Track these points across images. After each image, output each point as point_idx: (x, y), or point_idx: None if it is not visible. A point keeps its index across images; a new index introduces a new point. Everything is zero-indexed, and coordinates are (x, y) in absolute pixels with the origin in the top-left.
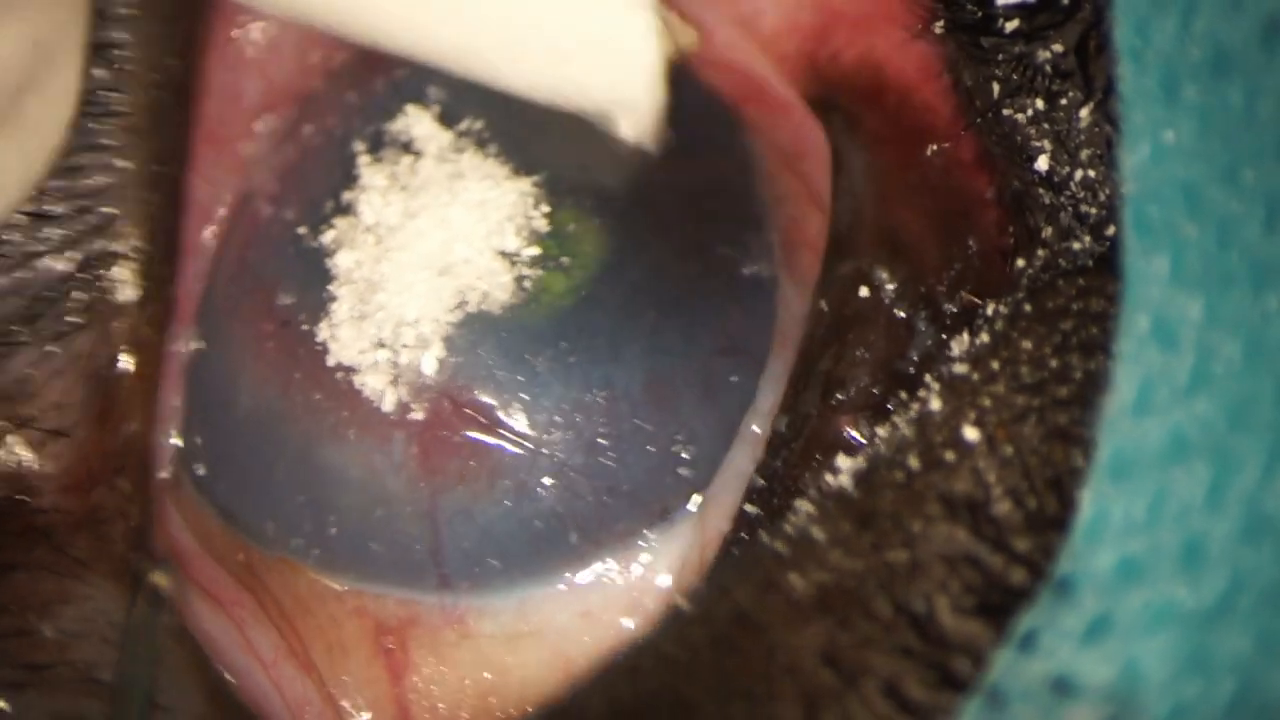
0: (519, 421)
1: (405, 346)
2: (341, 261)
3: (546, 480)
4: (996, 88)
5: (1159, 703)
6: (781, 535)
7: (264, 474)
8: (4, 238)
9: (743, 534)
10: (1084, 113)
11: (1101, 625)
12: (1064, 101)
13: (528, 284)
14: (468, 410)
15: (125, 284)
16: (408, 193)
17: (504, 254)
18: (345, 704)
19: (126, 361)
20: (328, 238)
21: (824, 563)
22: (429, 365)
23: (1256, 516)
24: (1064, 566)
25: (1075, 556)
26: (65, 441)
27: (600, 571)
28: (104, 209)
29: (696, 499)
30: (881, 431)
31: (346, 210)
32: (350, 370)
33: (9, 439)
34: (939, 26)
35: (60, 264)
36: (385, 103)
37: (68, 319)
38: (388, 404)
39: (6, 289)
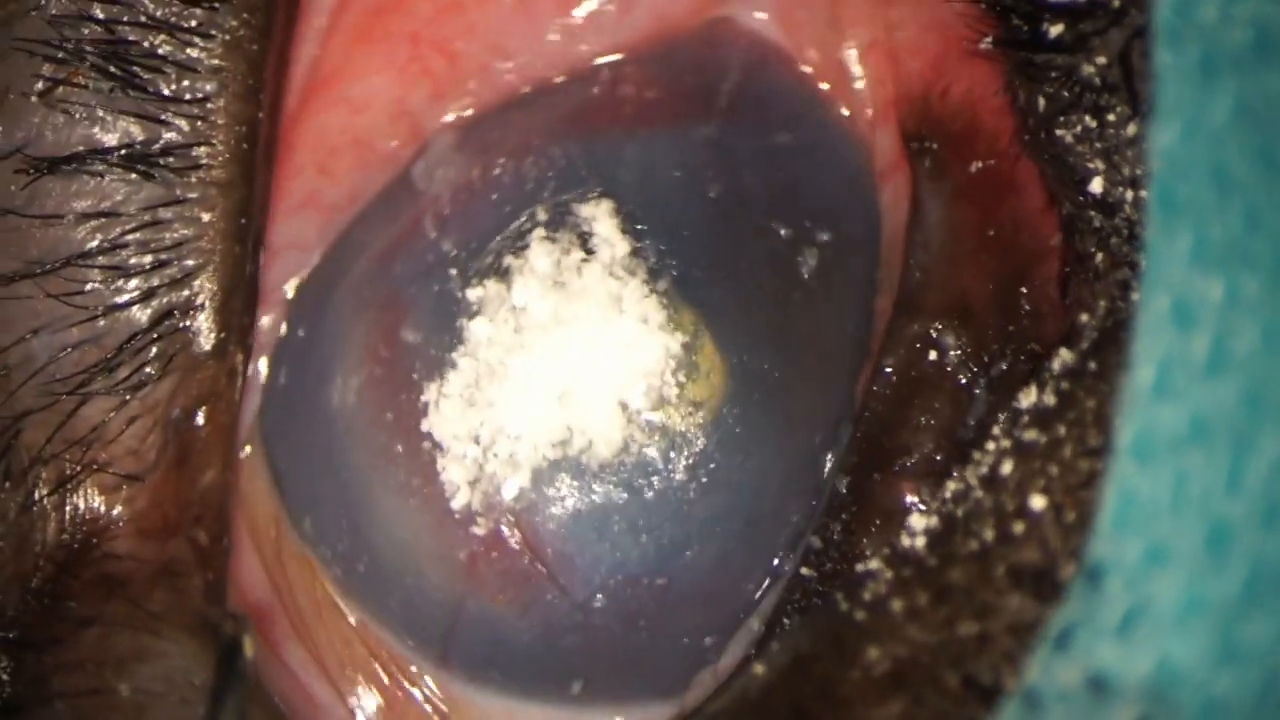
0: (571, 575)
1: (496, 457)
2: (475, 330)
3: (573, 634)
4: (1047, 106)
5: (1194, 697)
6: (861, 603)
7: (322, 473)
8: (84, 289)
9: (798, 596)
10: (1131, 128)
11: (1134, 617)
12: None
13: (633, 449)
14: (529, 545)
15: (204, 336)
16: (564, 294)
17: (625, 408)
18: None
19: (203, 411)
20: (474, 295)
21: (901, 636)
22: (510, 489)
23: (1276, 501)
24: (1094, 552)
25: (1105, 540)
26: (140, 487)
27: (589, 715)
28: (186, 261)
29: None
30: (954, 496)
31: (502, 275)
32: (438, 447)
33: (85, 483)
34: (987, 42)
35: (139, 315)
36: (583, 178)
37: (146, 369)
38: (458, 502)
39: (85, 339)
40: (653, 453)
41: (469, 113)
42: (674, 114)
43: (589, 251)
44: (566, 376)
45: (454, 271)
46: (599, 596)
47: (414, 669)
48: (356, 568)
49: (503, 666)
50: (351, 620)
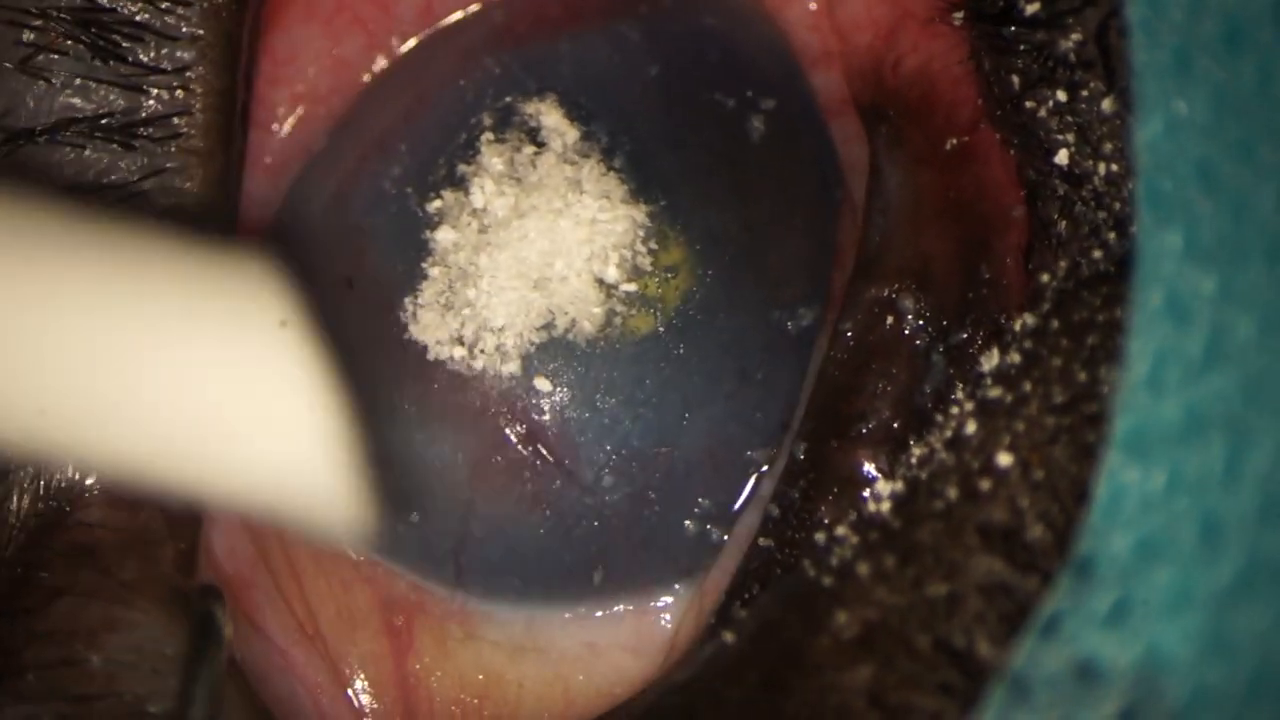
0: (575, 457)
1: (483, 353)
2: (440, 238)
3: (586, 519)
4: (1017, 80)
5: (1182, 685)
6: (828, 568)
7: None
8: None
9: (758, 566)
10: (1106, 103)
11: (1123, 607)
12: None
13: (617, 321)
14: (528, 433)
15: None
16: (522, 188)
17: (601, 283)
18: (352, 681)
19: None
20: (433, 207)
21: (869, 599)
22: (502, 381)
23: (1274, 495)
24: (1084, 545)
25: (1095, 534)
26: None
27: (613, 611)
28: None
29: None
30: (915, 459)
31: (458, 184)
32: (423, 357)
33: None
34: (958, 17)
35: None
36: (521, 80)
37: None
38: (452, 407)
39: None
40: (637, 322)
41: (404, 50)
42: (600, 11)
43: (540, 144)
44: (539, 263)
45: (409, 191)
46: (606, 475)
47: (425, 597)
48: None
49: (520, 571)
50: (355, 559)
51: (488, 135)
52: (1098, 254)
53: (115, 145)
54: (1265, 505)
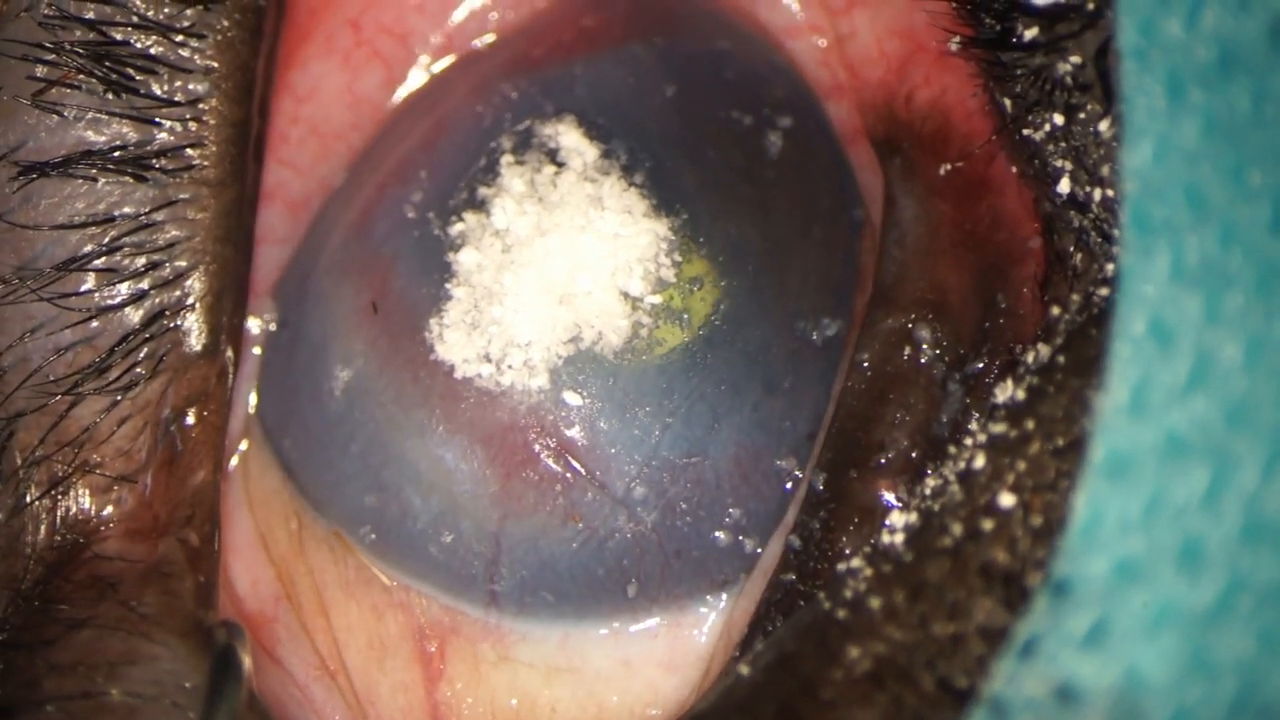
0: (606, 469)
1: (511, 368)
2: (464, 260)
3: (619, 532)
4: (1013, 105)
5: (1163, 707)
6: (842, 601)
7: (337, 446)
8: (78, 291)
9: (779, 596)
10: (1103, 126)
11: (1102, 629)
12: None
13: (643, 332)
14: (558, 446)
15: (195, 336)
16: (543, 206)
17: (626, 296)
18: (380, 714)
19: (193, 411)
20: (455, 230)
21: (879, 635)
22: (531, 395)
23: (1256, 518)
24: (1061, 568)
25: (1072, 557)
26: (130, 487)
27: (648, 625)
28: (178, 262)
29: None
30: (929, 490)
31: (479, 207)
32: (451, 376)
33: (75, 485)
34: (955, 43)
35: (132, 317)
36: (539, 103)
37: (137, 370)
38: (482, 424)
39: (78, 341)
40: (663, 333)
41: (423, 83)
42: (614, 35)
43: (559, 164)
44: (564, 279)
45: (431, 215)
46: (637, 486)
47: (459, 618)
48: (390, 529)
49: (554, 586)
50: (388, 584)
51: (508, 157)
52: (1104, 291)
53: (128, 177)
54: (1248, 528)
